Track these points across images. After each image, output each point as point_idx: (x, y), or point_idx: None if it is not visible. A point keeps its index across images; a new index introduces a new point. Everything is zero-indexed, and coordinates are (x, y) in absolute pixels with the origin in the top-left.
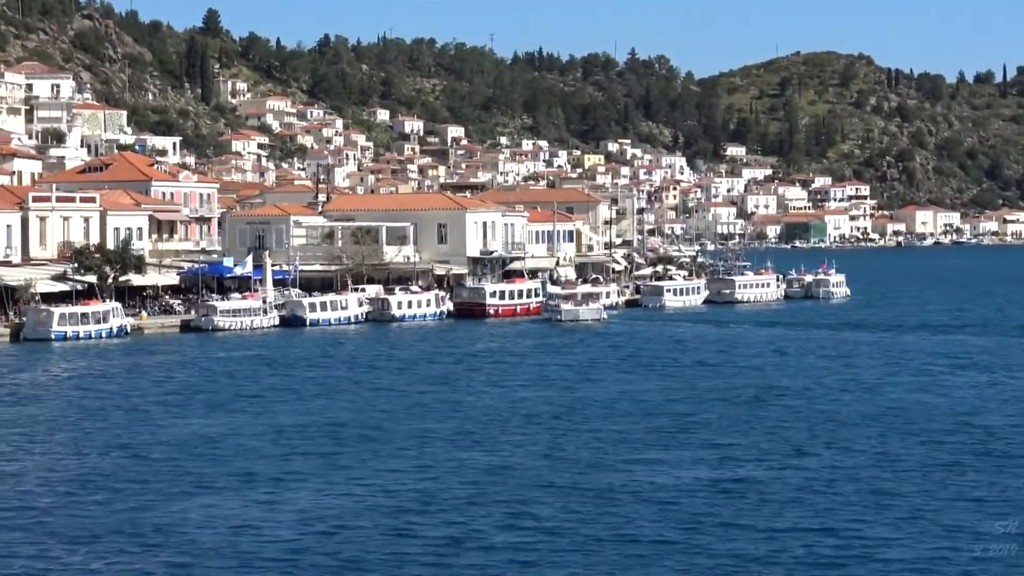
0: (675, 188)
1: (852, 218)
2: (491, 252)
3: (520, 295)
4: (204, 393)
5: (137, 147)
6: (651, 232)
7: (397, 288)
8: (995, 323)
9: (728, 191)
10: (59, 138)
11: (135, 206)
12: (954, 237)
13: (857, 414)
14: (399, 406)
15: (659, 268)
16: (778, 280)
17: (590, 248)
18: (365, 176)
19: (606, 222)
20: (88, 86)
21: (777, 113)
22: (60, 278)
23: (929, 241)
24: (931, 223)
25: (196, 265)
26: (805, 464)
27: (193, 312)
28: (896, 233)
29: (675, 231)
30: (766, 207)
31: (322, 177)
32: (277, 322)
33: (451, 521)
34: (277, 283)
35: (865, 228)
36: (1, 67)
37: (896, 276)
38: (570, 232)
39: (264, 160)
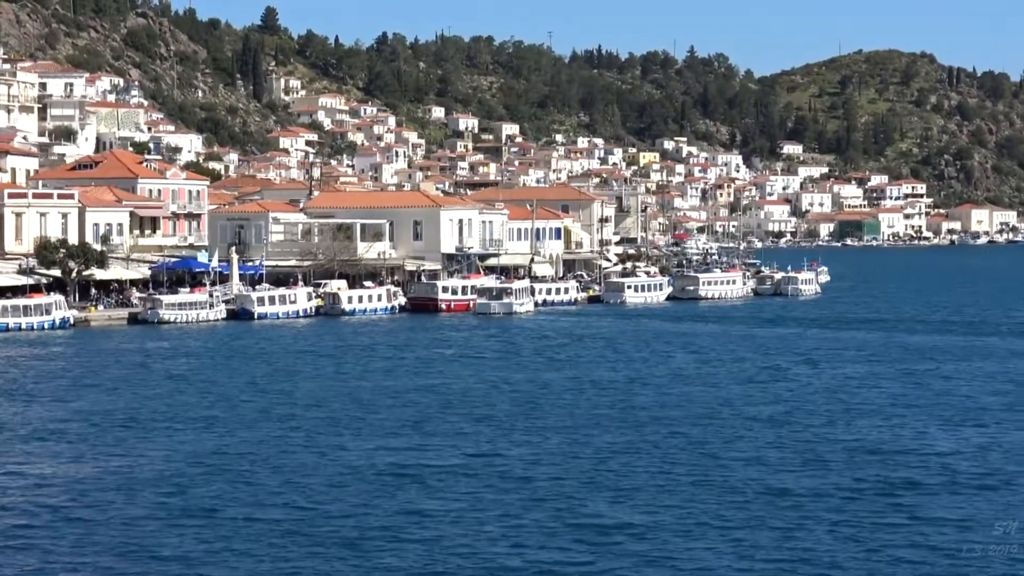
0: (730, 186)
1: (907, 216)
2: (467, 249)
3: (473, 291)
4: (45, 383)
5: (151, 145)
6: (700, 230)
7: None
8: (916, 320)
9: (784, 189)
10: (70, 136)
11: (116, 202)
12: (1009, 236)
13: (627, 406)
14: (212, 395)
15: (627, 265)
16: (745, 277)
17: (579, 245)
18: (413, 173)
19: (601, 220)
20: (136, 84)
21: (836, 111)
22: (26, 272)
23: (983, 240)
24: (987, 222)
25: (167, 260)
26: (499, 451)
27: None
28: (951, 231)
29: (727, 228)
30: (821, 205)
31: (314, 175)
32: (224, 315)
33: (105, 501)
34: (248, 278)
35: (920, 227)
36: (16, 67)
37: (909, 274)
38: (557, 230)
39: (311, 157)
